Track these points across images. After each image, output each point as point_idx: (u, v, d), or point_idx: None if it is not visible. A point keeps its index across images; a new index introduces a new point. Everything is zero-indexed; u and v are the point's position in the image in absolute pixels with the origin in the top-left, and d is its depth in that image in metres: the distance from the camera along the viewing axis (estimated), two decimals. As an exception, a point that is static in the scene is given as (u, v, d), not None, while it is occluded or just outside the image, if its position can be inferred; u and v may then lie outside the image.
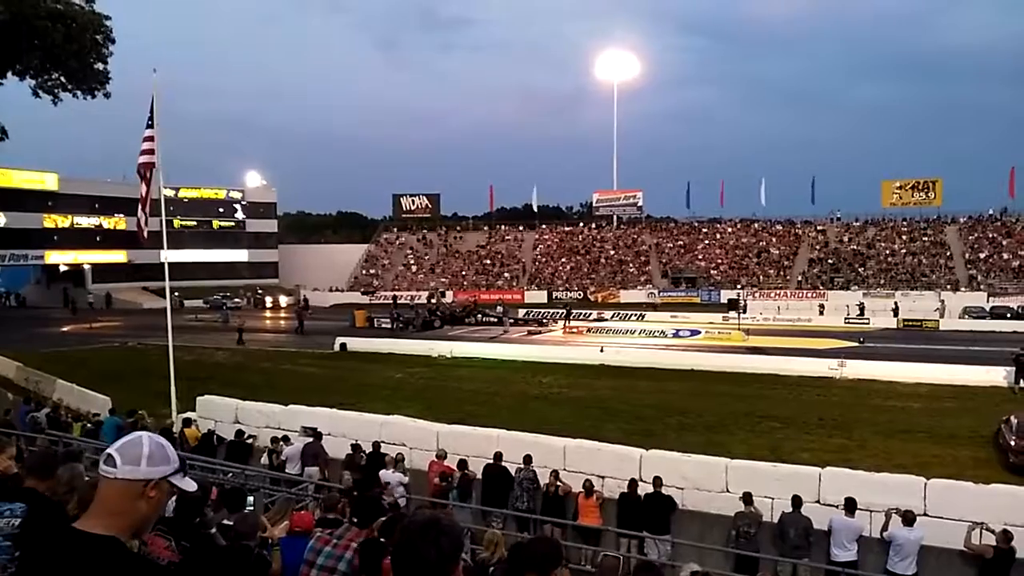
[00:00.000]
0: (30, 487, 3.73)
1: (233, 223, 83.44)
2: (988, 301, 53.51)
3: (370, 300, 66.85)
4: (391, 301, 63.48)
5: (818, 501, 11.81)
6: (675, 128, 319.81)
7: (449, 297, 66.43)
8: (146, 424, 16.77)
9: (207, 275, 73.59)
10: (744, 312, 46.21)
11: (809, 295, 60.72)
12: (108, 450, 2.13)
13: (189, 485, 2.30)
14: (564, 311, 52.05)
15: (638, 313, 53.37)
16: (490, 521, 12.10)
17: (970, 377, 26.90)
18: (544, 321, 49.19)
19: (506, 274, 74.89)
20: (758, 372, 29.32)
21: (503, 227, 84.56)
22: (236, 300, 67.86)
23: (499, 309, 53.97)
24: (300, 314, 49.99)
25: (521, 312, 54.22)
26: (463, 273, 75.76)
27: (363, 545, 4.61)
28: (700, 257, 72.10)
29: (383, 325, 49.60)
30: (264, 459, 15.28)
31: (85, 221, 72.19)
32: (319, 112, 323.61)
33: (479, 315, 52.44)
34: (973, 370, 27.52)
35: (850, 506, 10.87)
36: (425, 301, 61.42)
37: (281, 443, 15.84)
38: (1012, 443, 16.87)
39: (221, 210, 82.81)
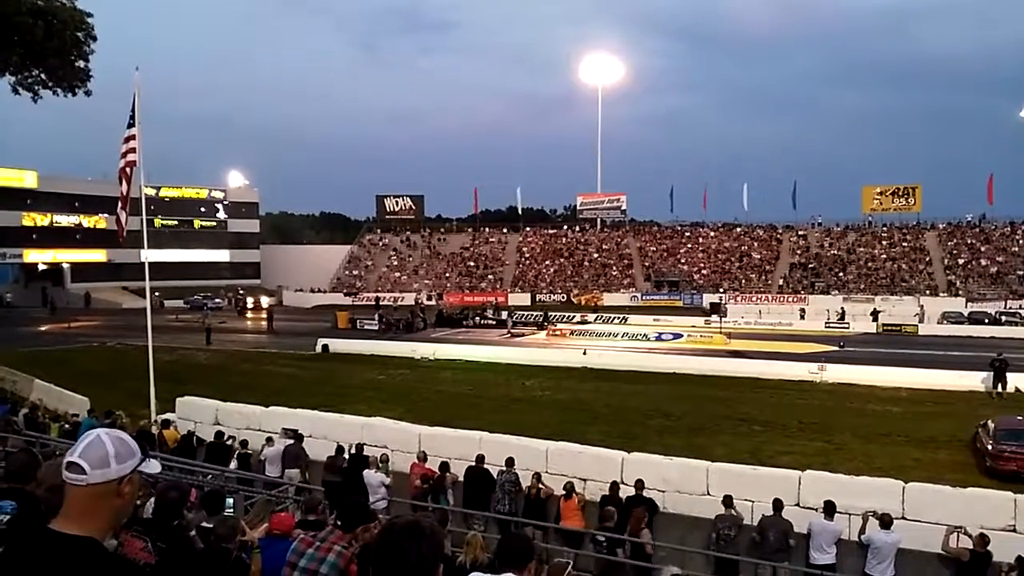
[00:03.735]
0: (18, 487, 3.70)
1: (215, 223, 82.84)
2: (966, 306, 54.07)
3: (352, 301, 66.57)
4: (374, 302, 63.29)
5: (798, 504, 11.87)
6: (659, 132, 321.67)
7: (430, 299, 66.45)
8: (124, 425, 16.60)
9: (188, 275, 72.94)
10: (725, 316, 46.43)
11: (790, 299, 61.06)
12: (69, 458, 2.03)
13: (153, 467, 2.25)
14: (542, 315, 52.38)
15: (621, 316, 53.53)
16: (472, 524, 12.08)
17: (948, 382, 27.18)
18: (544, 324, 49.25)
19: (490, 276, 74.82)
20: (739, 375, 29.51)
21: (487, 229, 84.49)
22: (217, 300, 67.36)
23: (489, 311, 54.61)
24: (269, 313, 55.17)
25: (504, 314, 54.26)
26: (446, 275, 75.61)
27: (362, 552, 4.57)
28: (683, 261, 72.40)
29: (367, 326, 49.41)
30: (233, 463, 14.99)
31: (65, 220, 71.48)
32: (302, 112, 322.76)
33: (477, 317, 52.58)
34: (951, 375, 27.81)
35: (829, 509, 10.93)
36: (414, 302, 61.58)
37: (264, 443, 15.71)
38: (989, 447, 17.05)
39: (203, 210, 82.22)
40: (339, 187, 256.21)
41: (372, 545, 2.15)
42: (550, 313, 53.32)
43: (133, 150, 18.42)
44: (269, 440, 15.68)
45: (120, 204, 19.01)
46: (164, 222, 74.66)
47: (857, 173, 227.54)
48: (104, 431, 2.13)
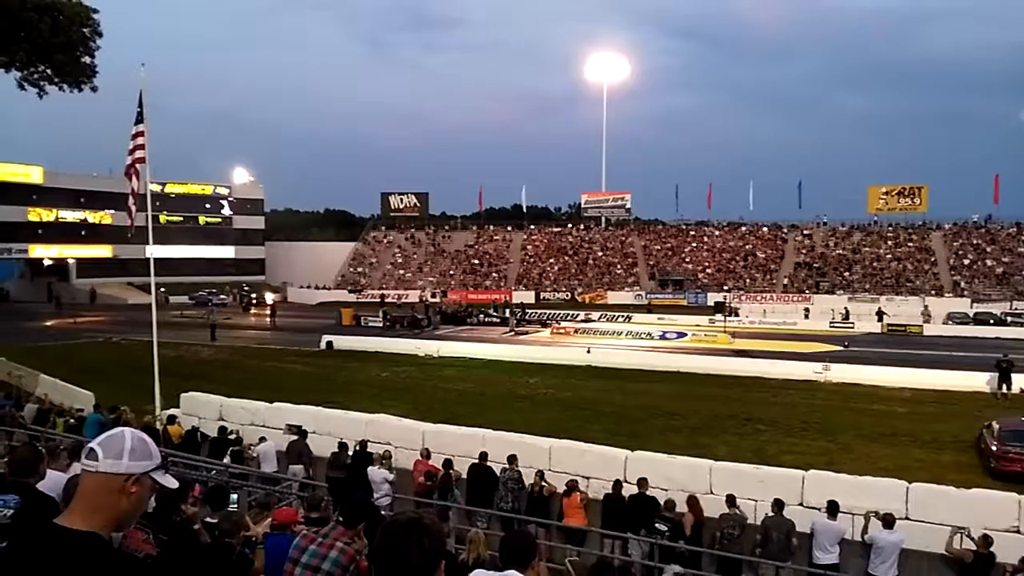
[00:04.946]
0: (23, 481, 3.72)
1: (220, 219, 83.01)
2: (972, 307, 53.96)
3: (357, 298, 66.63)
4: (379, 300, 63.37)
5: (801, 504, 11.86)
6: (664, 131, 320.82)
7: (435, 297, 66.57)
8: (128, 420, 16.65)
9: (193, 271, 73.25)
10: (730, 315, 46.37)
11: (795, 299, 60.98)
12: (90, 444, 2.12)
13: (170, 482, 2.29)
14: (520, 311, 52.71)
15: (625, 315, 53.51)
16: (475, 521, 12.09)
17: (953, 382, 27.11)
18: (547, 322, 49.34)
19: (494, 274, 74.83)
20: (743, 375, 29.47)
21: (491, 227, 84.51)
22: (222, 297, 67.51)
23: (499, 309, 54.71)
24: (272, 309, 56.24)
25: (507, 312, 54.32)
26: (451, 273, 75.63)
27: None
28: (687, 260, 72.34)
29: (371, 323, 49.49)
30: (227, 459, 15.04)
31: (70, 215, 71.60)
32: (307, 109, 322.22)
33: (481, 315, 52.73)
34: (956, 375, 27.73)
35: (832, 509, 10.93)
36: (418, 300, 61.75)
37: (257, 441, 15.79)
38: (994, 448, 17.00)
39: (208, 206, 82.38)
40: (344, 184, 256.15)
41: (373, 542, 2.16)
42: (527, 310, 53.93)
43: (142, 147, 18.54)
44: (262, 439, 15.76)
45: (131, 199, 19.19)
46: (169, 218, 74.83)
47: (863, 173, 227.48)
48: (131, 430, 2.21)
